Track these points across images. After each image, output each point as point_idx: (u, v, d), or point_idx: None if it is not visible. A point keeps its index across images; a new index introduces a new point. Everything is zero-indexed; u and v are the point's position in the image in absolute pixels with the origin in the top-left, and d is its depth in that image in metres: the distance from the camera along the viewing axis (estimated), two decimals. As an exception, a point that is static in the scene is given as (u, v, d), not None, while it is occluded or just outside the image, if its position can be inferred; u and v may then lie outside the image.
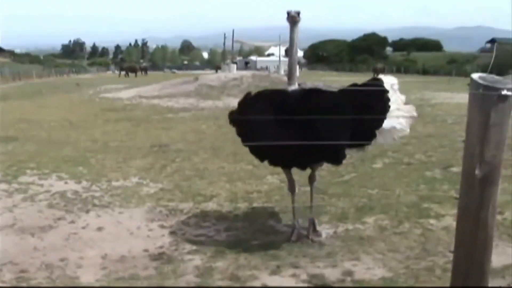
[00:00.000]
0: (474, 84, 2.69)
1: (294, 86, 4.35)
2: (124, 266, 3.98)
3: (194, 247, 4.36)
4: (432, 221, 5.04)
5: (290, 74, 4.42)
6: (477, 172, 2.66)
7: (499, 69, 50.94)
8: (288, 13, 4.35)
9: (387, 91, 4.24)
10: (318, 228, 4.73)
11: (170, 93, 23.10)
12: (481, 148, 2.65)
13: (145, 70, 59.58)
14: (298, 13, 4.37)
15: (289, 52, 4.51)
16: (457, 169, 7.39)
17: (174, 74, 59.02)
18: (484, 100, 2.61)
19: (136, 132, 11.70)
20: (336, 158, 4.37)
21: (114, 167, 7.76)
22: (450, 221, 5.02)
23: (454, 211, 5.27)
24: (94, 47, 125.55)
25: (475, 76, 2.70)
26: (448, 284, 3.50)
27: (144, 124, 13.02)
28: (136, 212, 5.48)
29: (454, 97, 21.86)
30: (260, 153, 4.49)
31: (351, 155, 5.53)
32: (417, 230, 4.75)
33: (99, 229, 4.94)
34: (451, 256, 4.05)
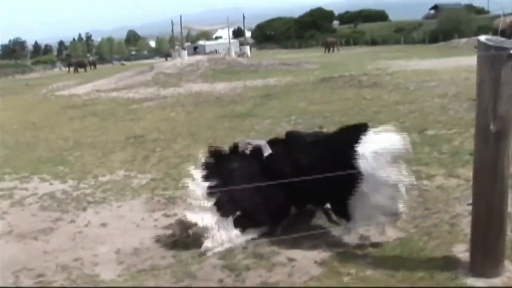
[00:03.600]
0: (482, 45, 2.85)
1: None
2: (141, 258, 3.96)
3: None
4: (425, 182, 5.24)
5: None
6: (491, 127, 2.83)
7: (444, 35, 52.70)
8: None
9: None
10: None
11: (128, 84, 22.70)
12: (494, 105, 2.82)
13: (94, 64, 58.04)
14: None
15: None
16: (432, 132, 7.68)
17: (124, 65, 57.79)
18: (495, 60, 2.78)
19: (105, 126, 11.46)
20: None
21: (95, 163, 7.62)
22: (442, 180, 5.28)
23: (442, 170, 5.59)
24: (36, 45, 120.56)
25: (483, 38, 2.86)
26: (460, 236, 3.72)
27: (111, 118, 12.75)
28: (135, 205, 5.44)
29: (408, 65, 22.45)
30: None
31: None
32: (413, 192, 4.89)
33: (103, 225, 4.87)
34: (453, 212, 4.32)
